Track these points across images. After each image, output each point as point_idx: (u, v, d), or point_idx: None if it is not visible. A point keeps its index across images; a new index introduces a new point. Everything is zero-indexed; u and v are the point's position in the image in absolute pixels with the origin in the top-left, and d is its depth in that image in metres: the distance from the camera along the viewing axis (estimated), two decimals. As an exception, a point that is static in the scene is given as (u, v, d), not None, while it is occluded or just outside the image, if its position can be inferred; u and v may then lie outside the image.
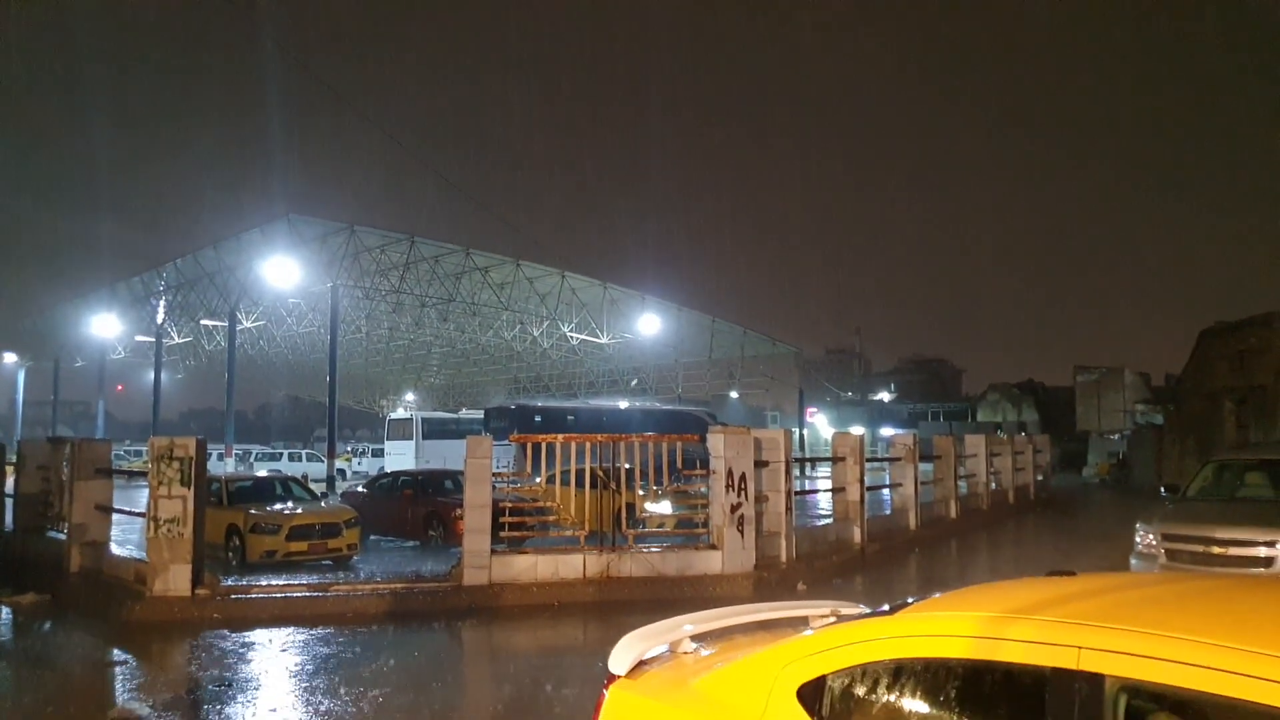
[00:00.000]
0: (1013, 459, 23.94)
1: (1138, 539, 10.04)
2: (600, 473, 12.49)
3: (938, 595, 2.82)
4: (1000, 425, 56.14)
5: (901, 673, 2.44)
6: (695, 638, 3.47)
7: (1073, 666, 2.07)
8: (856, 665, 2.51)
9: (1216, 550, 9.13)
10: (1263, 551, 8.92)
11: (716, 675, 2.99)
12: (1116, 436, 45.31)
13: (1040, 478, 26.71)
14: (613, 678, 3.20)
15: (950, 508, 19.31)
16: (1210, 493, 10.92)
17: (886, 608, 2.79)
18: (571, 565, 11.64)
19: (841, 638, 2.62)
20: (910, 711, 2.41)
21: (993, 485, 22.20)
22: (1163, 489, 12.47)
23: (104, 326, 44.11)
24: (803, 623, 3.58)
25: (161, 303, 43.37)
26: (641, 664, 3.24)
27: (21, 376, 54.64)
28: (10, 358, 54.21)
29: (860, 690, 2.50)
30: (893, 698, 2.44)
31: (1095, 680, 2.03)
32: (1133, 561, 9.93)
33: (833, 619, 3.38)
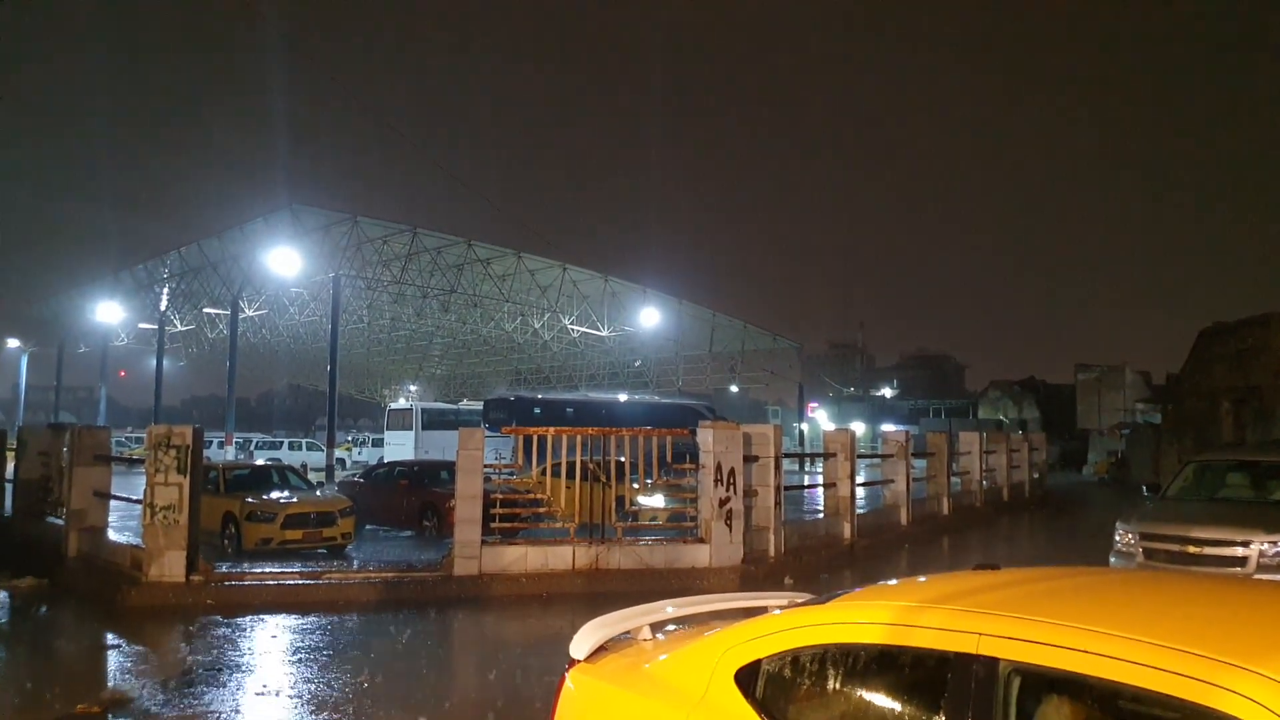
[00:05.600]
0: (1008, 456, 24.04)
1: (1117, 537, 10.14)
2: (592, 466, 12.64)
3: (866, 587, 2.98)
4: (1001, 423, 56.15)
5: (827, 657, 2.60)
6: (655, 626, 3.63)
7: (972, 651, 2.23)
8: (788, 650, 2.67)
9: (1192, 549, 9.18)
10: (1238, 551, 8.95)
11: (666, 660, 3.15)
12: (1115, 435, 45.35)
13: (1036, 475, 26.80)
14: (573, 662, 3.37)
15: (943, 504, 19.45)
16: (1191, 493, 10.98)
17: (820, 598, 2.95)
18: (561, 557, 11.81)
19: (775, 625, 2.78)
20: (833, 691, 2.58)
21: (986, 483, 22.31)
22: (1144, 488, 12.58)
23: (107, 313, 44.35)
24: (760, 612, 3.73)
25: (165, 290, 43.64)
26: (602, 649, 3.40)
27: (25, 362, 54.93)
28: (13, 343, 54.51)
29: (790, 673, 2.66)
30: (818, 680, 2.61)
31: (990, 664, 2.19)
32: (1112, 560, 10.02)
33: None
